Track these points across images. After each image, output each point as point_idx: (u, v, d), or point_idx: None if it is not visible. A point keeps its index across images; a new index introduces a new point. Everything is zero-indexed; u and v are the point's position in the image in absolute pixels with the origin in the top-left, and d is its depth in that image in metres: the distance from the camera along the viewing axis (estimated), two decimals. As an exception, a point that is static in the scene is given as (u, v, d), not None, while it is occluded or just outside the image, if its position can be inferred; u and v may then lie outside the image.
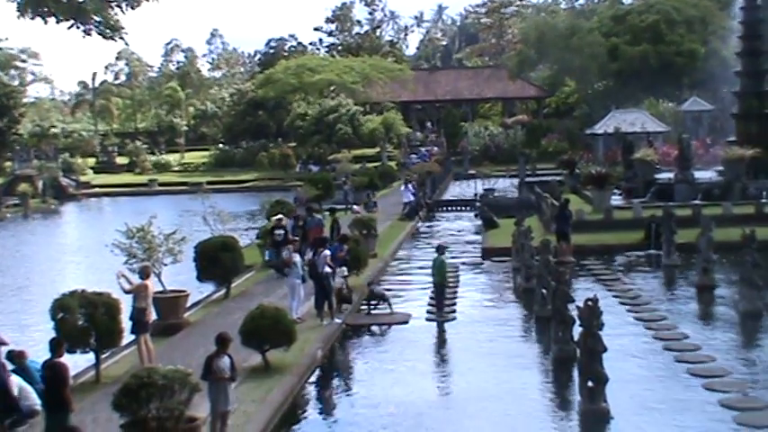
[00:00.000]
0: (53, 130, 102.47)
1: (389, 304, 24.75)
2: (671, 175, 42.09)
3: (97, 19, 16.27)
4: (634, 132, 54.75)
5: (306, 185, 47.82)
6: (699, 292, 26.27)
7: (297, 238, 28.22)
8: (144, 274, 19.58)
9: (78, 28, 16.27)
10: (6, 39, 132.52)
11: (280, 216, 30.40)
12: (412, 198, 47.39)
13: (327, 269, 23.10)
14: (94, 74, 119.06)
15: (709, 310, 24.76)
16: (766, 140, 43.41)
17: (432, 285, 25.31)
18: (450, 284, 27.00)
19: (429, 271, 25.77)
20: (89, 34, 16.35)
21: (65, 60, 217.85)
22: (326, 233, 30.00)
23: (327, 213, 36.77)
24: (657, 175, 43.56)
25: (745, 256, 23.53)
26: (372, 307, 24.90)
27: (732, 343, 20.93)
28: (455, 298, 26.35)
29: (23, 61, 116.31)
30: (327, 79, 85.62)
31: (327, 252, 23.72)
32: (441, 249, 25.75)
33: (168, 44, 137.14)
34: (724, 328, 22.32)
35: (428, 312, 24.77)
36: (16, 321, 26.32)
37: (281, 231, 28.35)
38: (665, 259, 30.56)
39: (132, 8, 17.23)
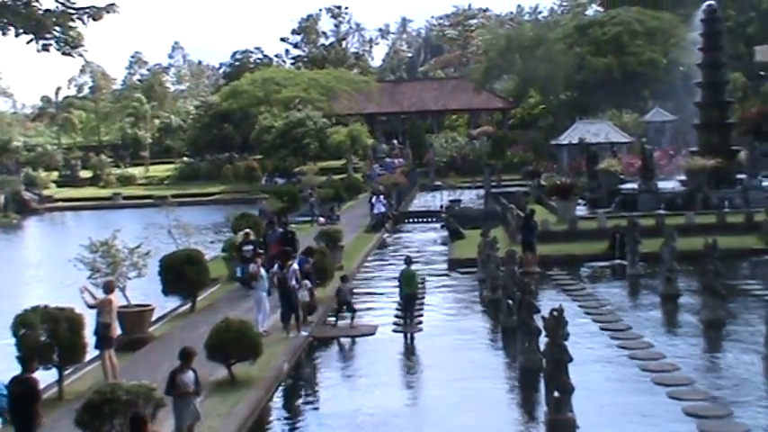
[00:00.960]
0: (15, 143, 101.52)
1: (353, 316, 24.61)
2: (635, 186, 42.44)
3: (57, 33, 16.16)
4: (598, 143, 55.15)
5: (271, 198, 47.65)
6: (663, 301, 26.48)
7: (262, 252, 28.00)
8: (108, 288, 19.43)
9: (37, 42, 16.15)
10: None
11: (247, 231, 30.01)
12: (383, 209, 47.45)
13: (294, 282, 23.09)
14: (58, 88, 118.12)
15: (672, 318, 24.95)
16: (727, 150, 44.00)
17: (399, 297, 25.33)
18: (418, 296, 27.01)
19: (395, 283, 25.84)
20: (47, 50, 16.22)
21: (27, 74, 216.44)
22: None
23: (294, 226, 36.63)
24: (621, 186, 43.92)
25: (707, 265, 23.74)
26: (339, 316, 24.71)
27: (695, 351, 21.09)
28: (422, 309, 26.36)
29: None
30: (293, 95, 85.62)
31: (296, 266, 23.72)
32: (408, 261, 25.93)
33: (133, 57, 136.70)
34: (688, 336, 22.50)
35: (395, 324, 24.76)
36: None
37: (250, 247, 27.98)
38: (630, 269, 30.78)
39: (94, 19, 17.12)
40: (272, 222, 33.96)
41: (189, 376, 14.24)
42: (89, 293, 19.07)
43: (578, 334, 18.45)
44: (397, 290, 25.25)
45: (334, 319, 25.01)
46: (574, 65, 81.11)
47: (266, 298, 23.25)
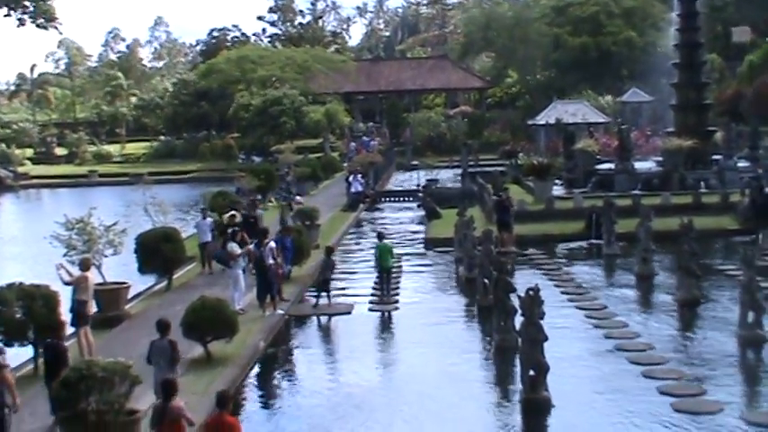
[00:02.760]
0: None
1: (328, 296, 24.51)
2: (611, 166, 42.59)
3: (31, 6, 16.11)
4: (575, 123, 55.29)
5: (248, 176, 47.48)
6: (638, 280, 26.64)
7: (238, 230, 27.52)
8: (84, 266, 19.35)
9: (10, 16, 16.11)
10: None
11: (233, 213, 29.04)
12: (360, 189, 47.44)
13: (271, 261, 23.08)
14: (33, 65, 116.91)
15: (648, 298, 25.15)
16: (704, 131, 44.18)
17: (377, 273, 25.81)
18: (394, 275, 27.09)
19: (372, 261, 25.98)
20: (23, 24, 16.18)
21: (1, 51, 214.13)
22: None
23: (271, 203, 36.48)
24: (598, 166, 44.07)
25: (683, 245, 23.87)
26: (319, 293, 24.54)
27: (670, 331, 21.25)
28: (398, 288, 26.42)
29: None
30: (269, 74, 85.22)
31: (273, 244, 23.74)
32: (381, 236, 26.71)
33: (110, 33, 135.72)
34: (663, 316, 22.66)
35: (370, 303, 24.81)
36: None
37: (235, 230, 26.37)
38: (606, 249, 30.93)
39: None
40: (254, 202, 33.87)
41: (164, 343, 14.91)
42: (65, 271, 18.99)
43: (554, 313, 18.50)
44: (374, 266, 25.75)
45: (315, 296, 24.79)
46: (549, 44, 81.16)
47: (242, 276, 23.23)
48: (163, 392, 12.49)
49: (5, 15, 15.81)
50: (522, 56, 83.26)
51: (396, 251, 28.34)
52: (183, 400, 12.65)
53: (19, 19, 15.71)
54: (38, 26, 15.98)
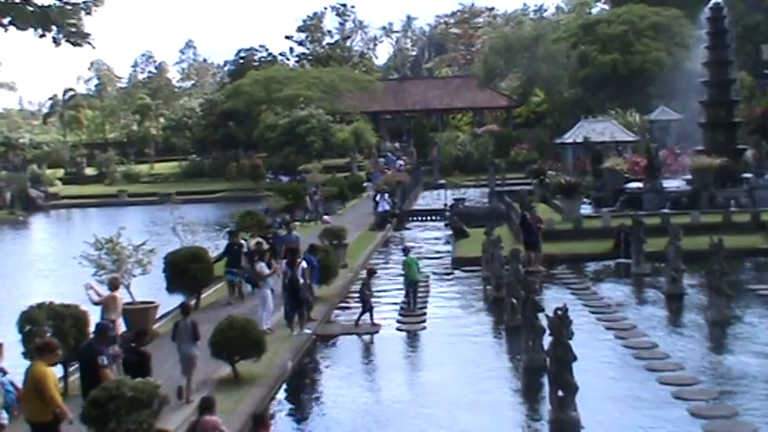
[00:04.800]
0: (21, 140, 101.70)
1: (362, 314, 24.50)
2: (640, 185, 42.34)
3: (64, 27, 16.37)
4: (603, 142, 55.07)
5: (275, 196, 47.65)
6: (668, 300, 26.43)
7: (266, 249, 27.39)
8: (113, 285, 19.45)
9: (45, 36, 16.37)
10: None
11: (259, 240, 28.12)
12: (388, 208, 47.53)
13: (302, 280, 23.20)
14: (67, 89, 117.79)
15: (678, 318, 24.91)
16: (733, 149, 43.87)
17: (404, 287, 26.27)
18: (421, 294, 27.14)
19: (399, 282, 26.12)
20: (58, 43, 16.44)
21: (34, 72, 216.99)
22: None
23: (298, 224, 36.53)
24: (626, 185, 43.82)
25: (713, 264, 23.68)
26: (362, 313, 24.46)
27: (701, 351, 21.03)
28: (425, 307, 26.38)
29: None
30: (296, 94, 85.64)
31: (305, 264, 23.82)
32: (407, 251, 27.81)
33: (143, 55, 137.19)
34: (693, 336, 22.45)
35: (398, 322, 24.77)
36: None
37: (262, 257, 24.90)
38: (635, 268, 30.74)
39: (88, 13, 17.33)
40: (289, 224, 33.83)
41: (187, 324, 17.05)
42: (94, 291, 19.10)
43: (583, 333, 18.39)
44: (402, 279, 26.53)
45: (359, 315, 24.55)
46: (577, 63, 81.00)
47: (271, 296, 23.25)
48: (199, 408, 12.55)
49: (41, 36, 16.10)
50: (547, 74, 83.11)
51: (423, 270, 28.48)
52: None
53: (54, 38, 15.98)
54: (72, 44, 16.25)
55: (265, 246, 26.93)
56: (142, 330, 16.66)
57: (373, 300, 24.74)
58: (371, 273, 25.69)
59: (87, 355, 14.88)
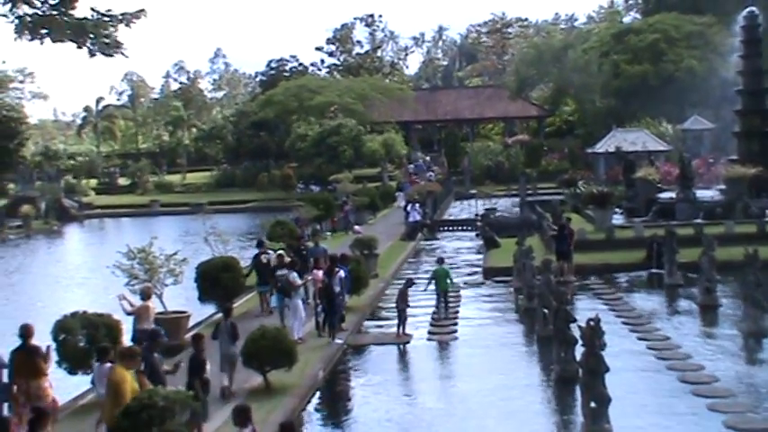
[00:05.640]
0: (55, 150, 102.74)
1: (402, 325, 24.39)
2: (672, 194, 42.05)
3: (99, 39, 16.48)
4: (635, 151, 54.79)
5: (307, 206, 47.78)
6: (701, 311, 26.21)
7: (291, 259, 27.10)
8: (145, 294, 19.57)
9: (80, 48, 16.51)
10: (4, 62, 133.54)
11: (280, 252, 27.00)
12: (419, 218, 47.55)
13: (339, 289, 23.41)
14: (99, 98, 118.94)
15: (712, 329, 24.66)
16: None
17: (435, 296, 26.39)
18: (452, 304, 27.15)
19: (432, 288, 26.09)
20: (93, 54, 16.58)
21: (67, 82, 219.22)
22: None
23: (329, 234, 36.51)
24: (659, 194, 43.54)
25: (747, 275, 23.46)
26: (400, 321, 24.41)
27: (735, 363, 20.81)
28: (456, 317, 26.32)
29: (21, 82, 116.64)
30: (327, 101, 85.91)
31: (342, 273, 23.99)
32: (440, 260, 28.12)
33: (175, 65, 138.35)
34: (728, 347, 22.20)
35: (429, 332, 24.72)
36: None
37: (285, 271, 24.32)
38: (668, 279, 30.50)
39: (127, 25, 17.44)
40: (316, 235, 33.75)
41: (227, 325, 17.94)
42: (127, 301, 19.22)
43: (615, 344, 18.25)
44: (431, 288, 26.52)
45: (398, 325, 24.49)
46: (609, 73, 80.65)
47: (302, 305, 23.28)
48: (235, 419, 12.56)
49: (77, 47, 16.32)
50: (578, 84, 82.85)
51: (454, 280, 28.49)
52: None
53: (89, 49, 16.16)
54: (106, 55, 16.43)
55: (287, 258, 26.12)
56: (154, 331, 16.55)
57: (408, 310, 24.68)
58: (410, 283, 25.55)
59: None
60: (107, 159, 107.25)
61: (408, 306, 24.59)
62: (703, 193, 42.30)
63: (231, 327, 17.87)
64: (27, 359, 15.04)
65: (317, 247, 30.62)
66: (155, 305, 20.20)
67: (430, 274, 27.53)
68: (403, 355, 23.08)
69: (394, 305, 24.96)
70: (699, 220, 37.62)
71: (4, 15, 18.02)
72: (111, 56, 17.39)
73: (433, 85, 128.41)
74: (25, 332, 15.28)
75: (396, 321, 24.51)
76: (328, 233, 47.02)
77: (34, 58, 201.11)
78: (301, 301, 23.33)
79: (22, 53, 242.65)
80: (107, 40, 16.82)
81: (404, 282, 25.79)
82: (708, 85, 64.37)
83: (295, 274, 23.67)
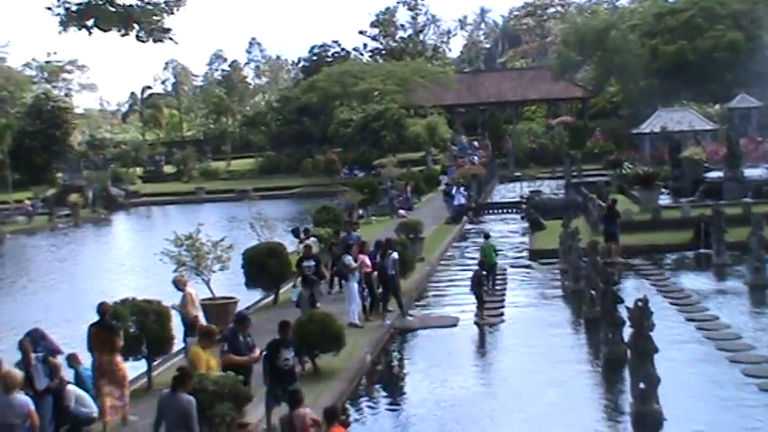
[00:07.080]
0: (102, 139, 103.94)
1: (480, 308, 24.42)
2: (720, 174, 41.58)
3: (149, 23, 16.69)
4: (681, 131, 54.22)
5: (351, 191, 47.91)
6: (750, 290, 25.95)
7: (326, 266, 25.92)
8: (180, 284, 19.73)
9: (128, 35, 16.69)
10: (55, 53, 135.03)
11: (308, 243, 25.86)
12: (464, 201, 47.50)
13: (392, 271, 23.68)
14: (145, 87, 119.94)
15: (761, 309, 24.43)
16: (817, 136, 42.86)
17: (481, 268, 25.95)
18: (498, 286, 27.20)
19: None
20: (143, 41, 16.78)
21: (112, 71, 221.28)
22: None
23: (374, 218, 36.46)
24: (706, 174, 43.07)
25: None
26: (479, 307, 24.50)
27: (785, 342, 20.60)
28: (503, 300, 26.31)
29: (70, 72, 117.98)
30: (371, 87, 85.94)
31: (396, 255, 24.14)
32: (487, 236, 28.83)
33: (215, 54, 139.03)
34: (777, 327, 22.01)
35: (476, 315, 24.71)
36: (69, 330, 26.60)
37: (312, 263, 23.13)
38: (716, 258, 30.22)
39: (172, 12, 17.61)
40: (352, 223, 33.54)
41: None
42: (175, 308, 19.23)
43: (663, 325, 18.12)
44: (478, 264, 26.34)
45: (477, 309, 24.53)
46: (648, 53, 79.77)
47: (357, 289, 23.34)
48: (289, 402, 12.72)
49: (123, 35, 16.48)
50: (621, 65, 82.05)
51: (500, 263, 28.62)
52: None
53: (138, 36, 16.38)
54: (154, 41, 16.65)
55: (315, 249, 25.32)
56: (241, 314, 16.92)
57: (438, 292, 24.85)
58: (482, 265, 25.79)
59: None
60: (152, 147, 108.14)
61: (484, 289, 24.92)
62: (751, 172, 41.77)
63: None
64: (103, 334, 15.60)
65: (350, 234, 30.41)
66: (194, 291, 20.30)
67: (479, 251, 27.88)
68: (450, 338, 23.08)
69: (469, 290, 24.95)
70: (747, 199, 37.15)
71: (49, 8, 18.30)
72: (162, 41, 17.59)
73: (475, 68, 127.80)
74: (102, 309, 15.91)
75: (473, 305, 24.53)
76: (373, 217, 47.16)
77: (78, 50, 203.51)
78: (357, 285, 23.36)
79: (64, 45, 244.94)
80: (154, 27, 17.01)
81: (478, 264, 26.04)
82: (755, 63, 63.58)
83: (350, 258, 23.62)
